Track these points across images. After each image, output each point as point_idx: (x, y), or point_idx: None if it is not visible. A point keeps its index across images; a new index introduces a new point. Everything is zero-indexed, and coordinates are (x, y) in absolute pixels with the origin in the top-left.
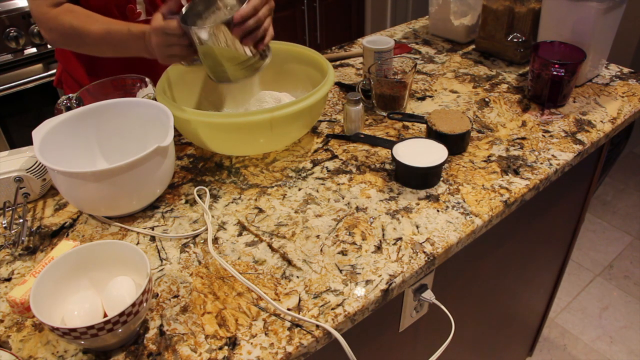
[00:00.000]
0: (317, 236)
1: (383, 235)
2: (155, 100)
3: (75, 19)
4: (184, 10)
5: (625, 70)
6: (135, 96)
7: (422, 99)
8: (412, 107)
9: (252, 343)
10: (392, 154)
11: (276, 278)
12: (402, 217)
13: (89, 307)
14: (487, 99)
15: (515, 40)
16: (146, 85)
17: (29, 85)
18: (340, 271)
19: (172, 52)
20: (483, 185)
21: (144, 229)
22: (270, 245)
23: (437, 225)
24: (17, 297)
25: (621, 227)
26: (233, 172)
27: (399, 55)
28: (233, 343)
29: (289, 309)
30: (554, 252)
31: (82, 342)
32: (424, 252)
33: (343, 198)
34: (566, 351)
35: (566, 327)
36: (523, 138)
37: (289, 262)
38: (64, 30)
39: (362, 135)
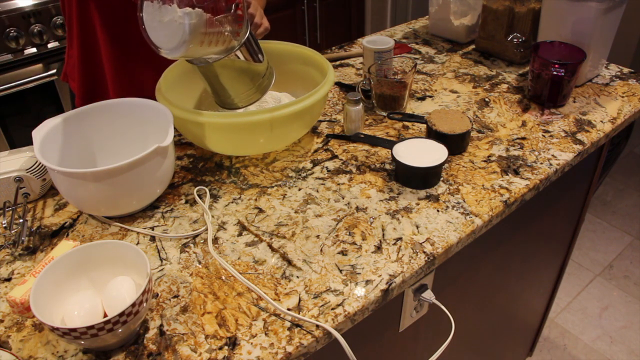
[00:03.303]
0: (317, 236)
1: (383, 235)
2: None
3: None
4: None
5: (625, 70)
6: None
7: (422, 99)
8: (412, 107)
9: (252, 343)
10: (392, 154)
11: (276, 278)
12: (402, 217)
13: (89, 307)
14: (487, 99)
15: (515, 40)
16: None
17: (29, 85)
18: (340, 271)
19: None
20: (483, 185)
21: (144, 229)
22: (270, 245)
23: (437, 225)
24: (17, 297)
25: (621, 227)
26: (233, 172)
27: (399, 55)
28: (233, 343)
29: (289, 309)
30: (554, 252)
31: (82, 342)
32: (424, 252)
33: (343, 198)
34: (566, 351)
35: (566, 327)
36: (523, 138)
37: (289, 262)
38: None
39: (362, 135)
